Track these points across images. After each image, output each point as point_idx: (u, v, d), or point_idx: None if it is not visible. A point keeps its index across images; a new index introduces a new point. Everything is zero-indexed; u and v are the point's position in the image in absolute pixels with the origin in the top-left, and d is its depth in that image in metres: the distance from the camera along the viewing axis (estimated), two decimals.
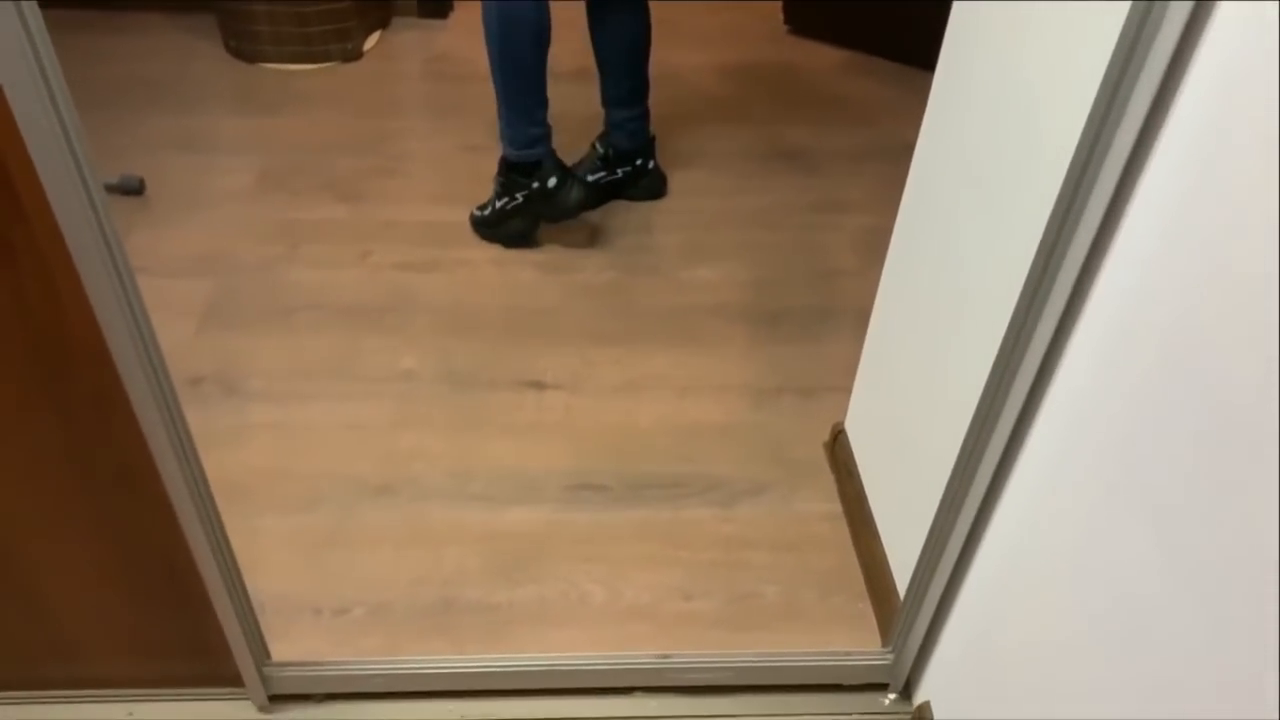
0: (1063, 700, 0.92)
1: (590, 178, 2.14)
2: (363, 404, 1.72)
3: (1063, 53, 0.90)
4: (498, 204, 2.02)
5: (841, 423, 1.63)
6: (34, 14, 0.74)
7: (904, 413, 1.37)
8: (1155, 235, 0.78)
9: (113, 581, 1.18)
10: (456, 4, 2.91)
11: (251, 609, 1.23)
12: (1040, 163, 0.93)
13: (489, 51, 1.85)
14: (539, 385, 1.78)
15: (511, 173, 1.97)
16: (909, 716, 1.32)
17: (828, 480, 1.63)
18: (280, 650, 1.32)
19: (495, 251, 2.07)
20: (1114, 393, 0.84)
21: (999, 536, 1.08)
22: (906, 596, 1.25)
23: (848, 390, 1.76)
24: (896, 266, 1.40)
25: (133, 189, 2.14)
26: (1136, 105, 0.76)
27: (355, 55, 2.68)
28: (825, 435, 1.69)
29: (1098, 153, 0.79)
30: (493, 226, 2.06)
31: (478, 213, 2.07)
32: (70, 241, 0.83)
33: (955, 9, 1.16)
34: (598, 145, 2.17)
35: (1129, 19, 0.74)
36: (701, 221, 2.21)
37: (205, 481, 1.10)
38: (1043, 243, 0.88)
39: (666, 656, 1.31)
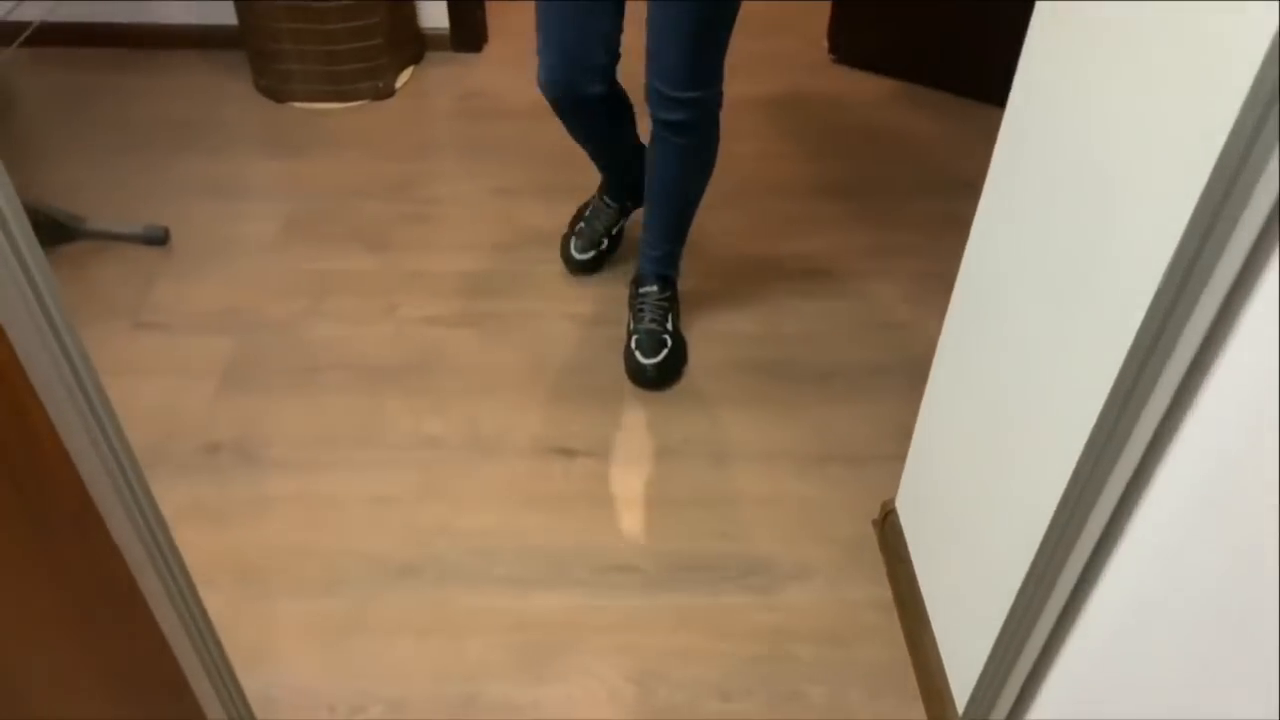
0: None
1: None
2: (386, 473, 1.64)
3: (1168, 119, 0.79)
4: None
5: (892, 501, 1.52)
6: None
7: (959, 500, 1.25)
8: None
9: (100, 690, 1.11)
10: (492, 37, 2.84)
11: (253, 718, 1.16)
12: (1125, 257, 0.82)
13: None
14: (568, 452, 1.68)
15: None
16: None
17: (877, 561, 1.52)
18: None
19: (527, 302, 1.98)
20: (1229, 514, 0.72)
21: (1078, 657, 0.96)
22: (966, 714, 1.14)
23: (898, 459, 1.65)
24: (955, 340, 1.29)
25: (157, 239, 2.09)
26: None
27: (387, 93, 2.61)
28: (875, 510, 1.58)
29: (1210, 249, 0.68)
30: None
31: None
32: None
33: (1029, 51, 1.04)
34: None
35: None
36: (742, 269, 2.10)
37: (192, 590, 1.02)
38: (1136, 345, 0.77)
39: None
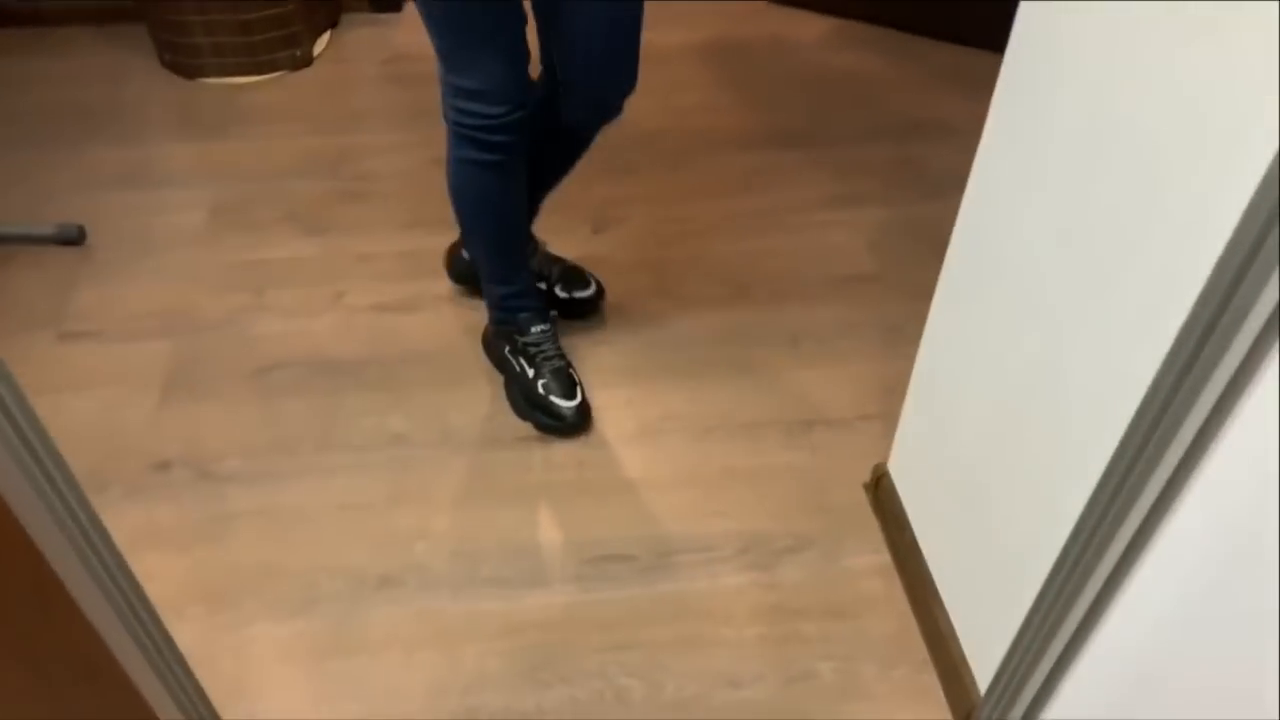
0: None
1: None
2: (352, 478, 1.54)
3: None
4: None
5: (884, 463, 1.48)
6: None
7: (967, 468, 1.22)
8: None
9: None
10: None
11: None
12: (1171, 215, 0.77)
13: None
14: (545, 440, 1.61)
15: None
16: None
17: (873, 527, 1.49)
18: None
19: None
20: None
21: (1123, 637, 0.93)
22: (992, 691, 1.11)
23: (881, 418, 1.62)
24: (952, 303, 1.24)
25: (71, 239, 1.93)
26: None
27: (305, 61, 2.45)
28: (865, 474, 1.54)
29: None
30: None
31: None
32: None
33: None
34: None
35: None
36: (698, 228, 2.03)
37: (161, 631, 0.93)
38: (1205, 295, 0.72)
39: None
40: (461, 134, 1.40)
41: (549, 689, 1.30)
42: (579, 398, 1.61)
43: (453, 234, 1.78)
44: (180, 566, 1.43)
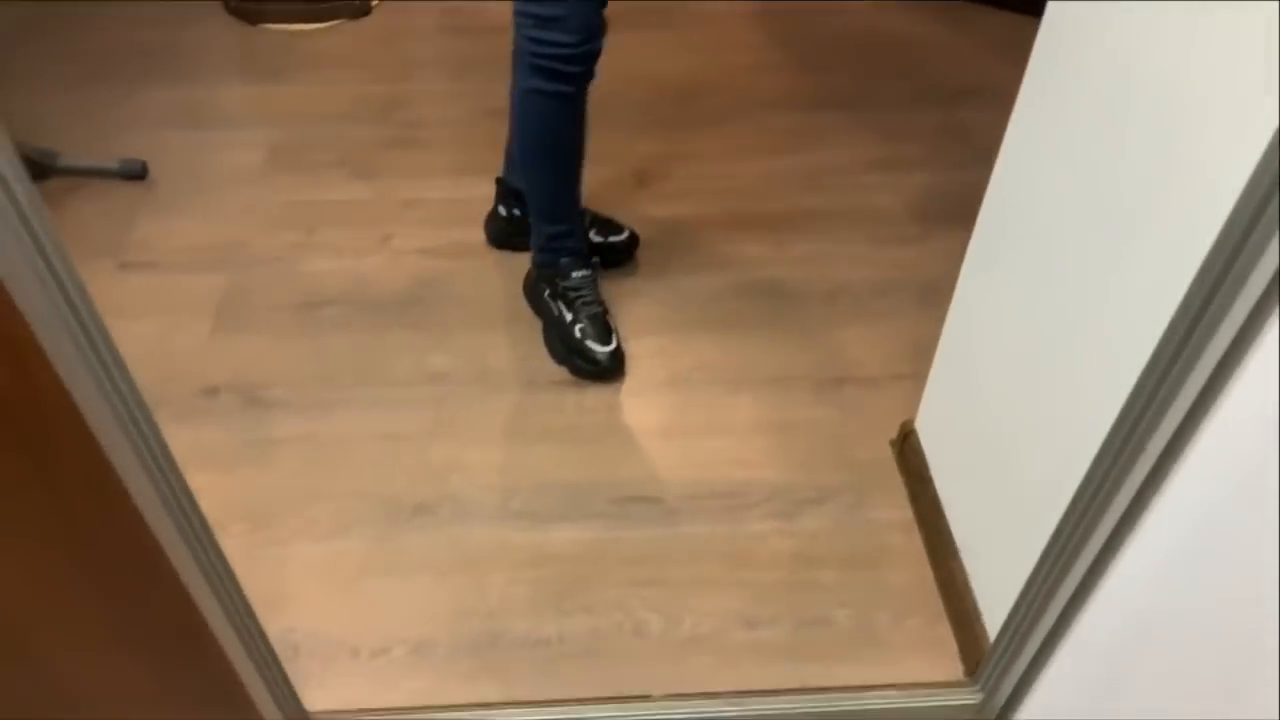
0: None
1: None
2: (393, 411, 1.60)
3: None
4: None
5: (911, 421, 1.50)
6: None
7: (990, 422, 1.23)
8: None
9: (123, 639, 1.08)
10: None
11: (278, 664, 1.14)
12: (1198, 168, 0.78)
13: None
14: (579, 384, 1.65)
15: None
16: None
17: (897, 484, 1.51)
18: (319, 698, 1.23)
19: None
20: None
21: (1128, 583, 0.95)
22: (1002, 636, 1.13)
23: (913, 378, 1.63)
24: (983, 260, 1.25)
25: (135, 173, 2.00)
26: None
27: (363, 10, 2.50)
28: (892, 432, 1.56)
29: None
30: None
31: None
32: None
33: None
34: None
35: None
36: (740, 185, 2.04)
37: (210, 537, 0.99)
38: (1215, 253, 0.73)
39: (735, 702, 1.21)
40: (535, 64, 1.43)
41: (570, 617, 1.35)
42: (614, 344, 1.65)
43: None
44: (225, 486, 1.50)
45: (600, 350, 1.64)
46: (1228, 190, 0.70)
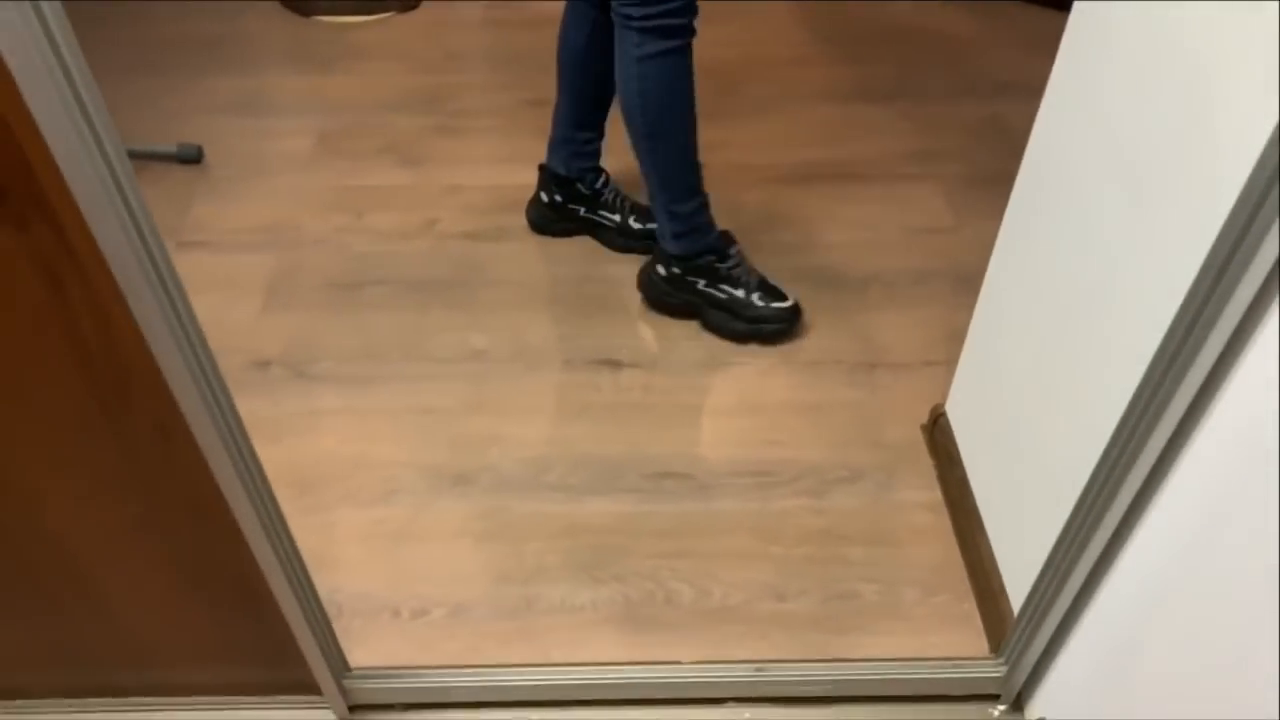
0: None
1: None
2: (435, 386, 1.65)
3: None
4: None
5: (942, 405, 1.52)
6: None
7: (1017, 402, 1.25)
8: None
9: (183, 590, 1.14)
10: None
11: (327, 620, 1.19)
12: (1216, 150, 0.80)
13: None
14: (615, 364, 1.69)
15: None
16: None
17: (926, 465, 1.53)
18: (360, 656, 1.28)
19: None
20: None
21: (1145, 553, 0.97)
22: (1025, 609, 1.15)
23: (945, 364, 1.65)
24: (1013, 241, 1.27)
25: (191, 158, 2.07)
26: None
27: (412, 4, 2.56)
28: (923, 415, 1.58)
29: None
30: None
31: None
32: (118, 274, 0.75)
33: None
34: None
35: None
36: (778, 175, 2.07)
37: (270, 495, 1.04)
38: (1222, 238, 0.75)
39: (762, 668, 1.24)
40: (645, 28, 1.46)
41: (603, 585, 1.38)
42: (790, 297, 1.71)
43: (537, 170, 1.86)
44: (273, 454, 1.53)
45: (786, 305, 1.70)
46: (1244, 172, 0.72)
